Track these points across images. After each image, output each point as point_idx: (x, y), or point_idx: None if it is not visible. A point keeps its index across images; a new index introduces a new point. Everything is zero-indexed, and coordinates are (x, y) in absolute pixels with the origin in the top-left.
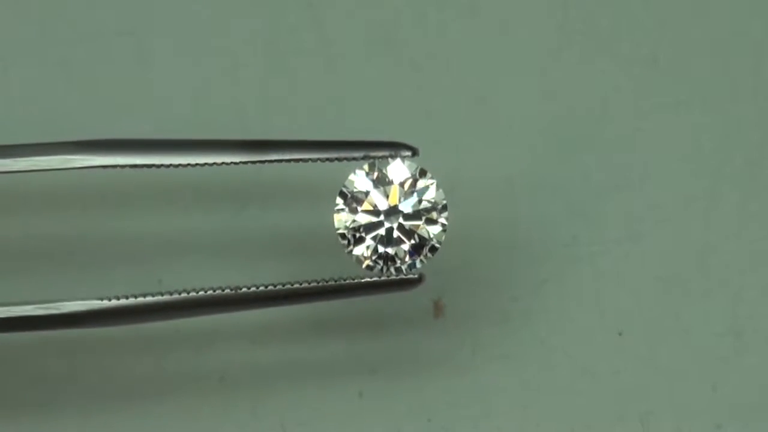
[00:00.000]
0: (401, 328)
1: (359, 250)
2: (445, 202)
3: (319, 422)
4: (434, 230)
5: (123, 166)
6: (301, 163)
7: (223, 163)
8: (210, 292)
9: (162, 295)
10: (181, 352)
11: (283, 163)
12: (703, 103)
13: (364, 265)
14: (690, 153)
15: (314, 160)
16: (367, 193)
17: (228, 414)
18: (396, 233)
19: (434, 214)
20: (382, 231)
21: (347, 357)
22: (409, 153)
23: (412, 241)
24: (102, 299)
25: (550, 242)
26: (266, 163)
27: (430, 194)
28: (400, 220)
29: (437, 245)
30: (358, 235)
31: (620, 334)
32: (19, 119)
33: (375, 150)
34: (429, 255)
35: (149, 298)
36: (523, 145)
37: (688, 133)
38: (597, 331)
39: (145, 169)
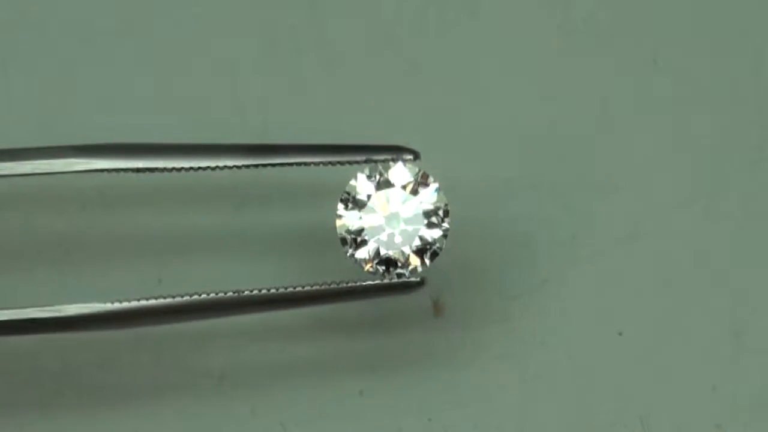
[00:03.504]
0: (401, 327)
1: (361, 254)
2: (447, 206)
3: (320, 421)
4: (435, 234)
5: (126, 170)
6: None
7: (225, 166)
8: (212, 295)
9: (164, 298)
10: (181, 351)
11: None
12: (703, 103)
13: (365, 269)
14: (690, 153)
15: (316, 164)
16: (368, 197)
17: (228, 413)
18: (397, 237)
19: (435, 218)
20: (383, 235)
21: (347, 355)
22: (410, 156)
23: (414, 245)
24: (104, 303)
25: (550, 242)
26: (268, 167)
27: (432, 198)
28: (402, 224)
29: (438, 250)
30: (359, 238)
31: (620, 334)
32: (19, 120)
33: (377, 153)
34: (430, 259)
35: (151, 302)
36: (523, 145)
37: (688, 133)
38: (597, 331)
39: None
